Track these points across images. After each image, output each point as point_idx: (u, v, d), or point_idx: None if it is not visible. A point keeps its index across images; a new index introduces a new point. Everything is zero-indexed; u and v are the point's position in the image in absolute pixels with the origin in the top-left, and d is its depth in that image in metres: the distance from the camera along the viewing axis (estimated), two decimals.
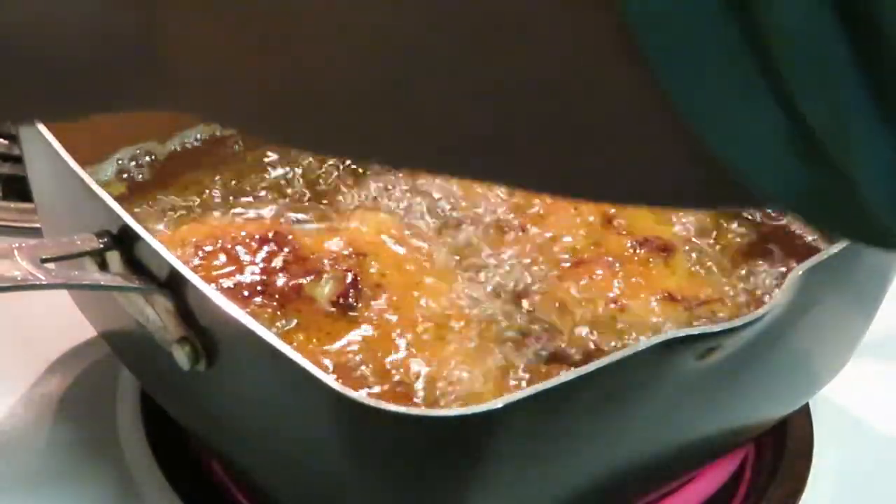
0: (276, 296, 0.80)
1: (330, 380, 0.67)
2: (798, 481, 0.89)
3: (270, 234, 0.83)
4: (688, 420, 0.77)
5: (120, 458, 0.87)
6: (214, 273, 0.80)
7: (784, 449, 0.91)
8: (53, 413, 0.90)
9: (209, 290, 0.71)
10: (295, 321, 0.79)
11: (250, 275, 0.81)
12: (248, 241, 0.83)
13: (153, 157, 0.93)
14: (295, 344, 0.77)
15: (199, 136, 0.95)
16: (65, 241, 0.75)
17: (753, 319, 0.72)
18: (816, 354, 0.84)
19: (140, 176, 0.92)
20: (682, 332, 0.71)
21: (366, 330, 0.80)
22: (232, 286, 0.80)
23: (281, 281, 0.81)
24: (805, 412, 0.92)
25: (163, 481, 0.85)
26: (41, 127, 0.79)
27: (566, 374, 0.69)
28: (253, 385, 0.73)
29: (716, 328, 0.72)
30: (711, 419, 0.80)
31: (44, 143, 0.79)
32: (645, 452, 0.77)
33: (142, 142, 0.93)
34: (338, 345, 0.79)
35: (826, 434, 0.92)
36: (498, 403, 0.67)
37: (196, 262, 0.80)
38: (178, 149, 0.94)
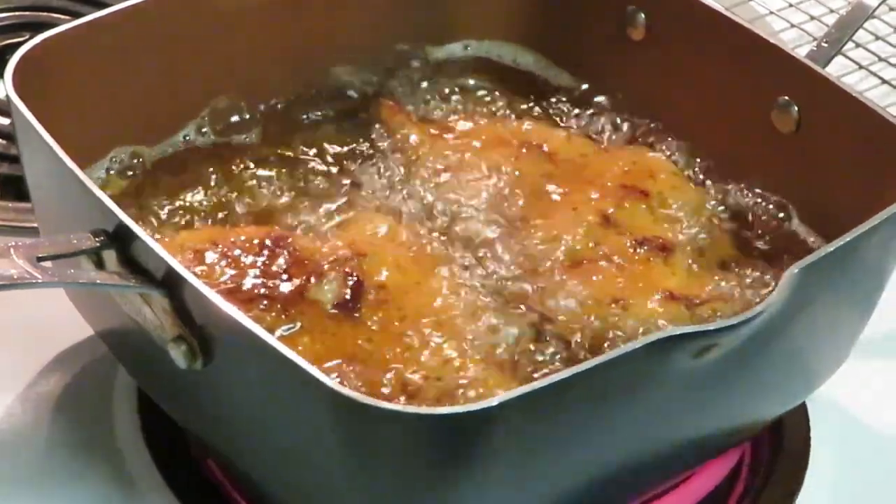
0: (279, 299, 0.80)
1: (326, 377, 0.67)
2: (794, 480, 0.89)
3: (269, 238, 0.83)
4: (684, 418, 0.77)
5: (117, 457, 0.87)
6: (216, 278, 0.80)
7: (781, 447, 0.91)
8: (50, 412, 0.90)
9: (205, 289, 0.71)
10: (299, 324, 0.79)
11: (252, 279, 0.80)
12: (247, 245, 0.83)
13: (140, 160, 0.93)
14: (300, 347, 0.77)
15: (192, 138, 0.95)
16: (61, 239, 0.75)
17: (749, 318, 0.72)
18: (813, 353, 0.84)
19: (135, 177, 0.92)
20: (678, 331, 0.71)
21: (369, 330, 0.80)
22: (234, 291, 0.80)
23: (283, 284, 0.81)
24: (802, 411, 0.92)
25: (160, 480, 0.85)
26: (38, 126, 0.79)
27: (561, 373, 0.69)
28: (249, 383, 0.73)
29: (711, 326, 0.72)
30: (708, 417, 0.80)
31: (41, 143, 0.79)
32: (641, 451, 0.77)
33: (136, 143, 0.93)
34: (342, 345, 0.79)
35: (823, 433, 0.92)
36: (494, 401, 0.67)
37: (197, 268, 0.80)
38: (174, 151, 0.94)
